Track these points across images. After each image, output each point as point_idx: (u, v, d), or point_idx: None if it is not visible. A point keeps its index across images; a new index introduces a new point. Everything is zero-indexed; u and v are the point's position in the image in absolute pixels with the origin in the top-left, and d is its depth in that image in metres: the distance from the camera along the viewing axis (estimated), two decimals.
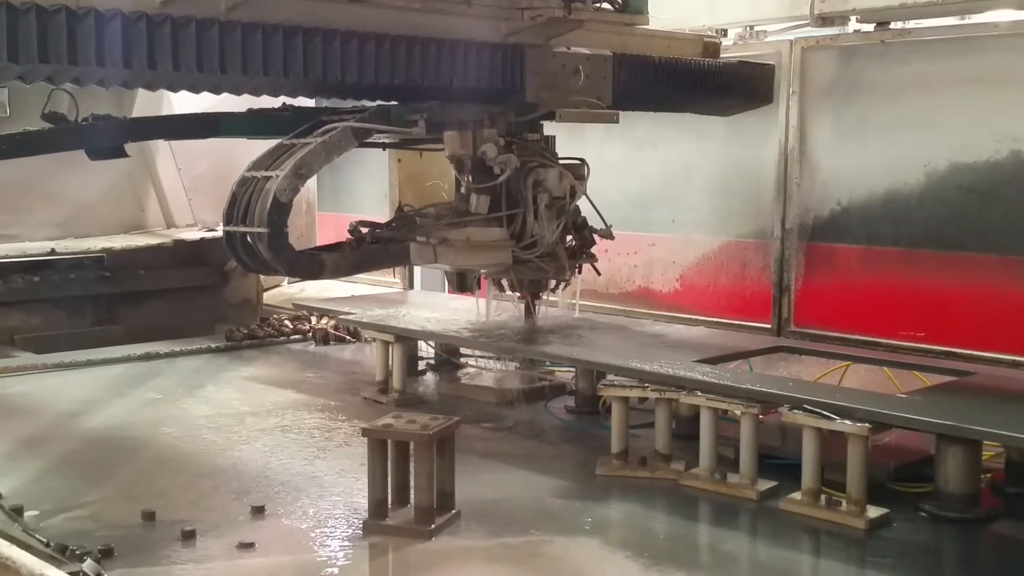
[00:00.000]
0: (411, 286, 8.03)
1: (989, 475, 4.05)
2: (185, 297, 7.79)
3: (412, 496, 3.66)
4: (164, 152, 8.54)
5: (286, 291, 8.43)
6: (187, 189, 8.75)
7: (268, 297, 8.30)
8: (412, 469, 3.64)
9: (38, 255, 7.31)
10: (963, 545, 3.68)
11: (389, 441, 3.64)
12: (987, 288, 5.22)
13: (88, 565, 3.20)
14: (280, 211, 4.18)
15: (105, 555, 3.35)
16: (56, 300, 7.23)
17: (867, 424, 3.71)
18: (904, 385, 4.68)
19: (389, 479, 3.67)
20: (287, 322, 7.23)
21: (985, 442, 3.82)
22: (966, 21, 5.45)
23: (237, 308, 7.92)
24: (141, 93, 6.67)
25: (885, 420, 3.76)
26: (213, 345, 6.78)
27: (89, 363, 6.28)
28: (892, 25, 5.54)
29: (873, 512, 3.74)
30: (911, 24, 5.49)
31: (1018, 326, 5.10)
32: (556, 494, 4.07)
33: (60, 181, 7.83)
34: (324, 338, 6.95)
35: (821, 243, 5.83)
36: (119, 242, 7.82)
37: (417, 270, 7.98)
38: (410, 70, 4.54)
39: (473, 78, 4.72)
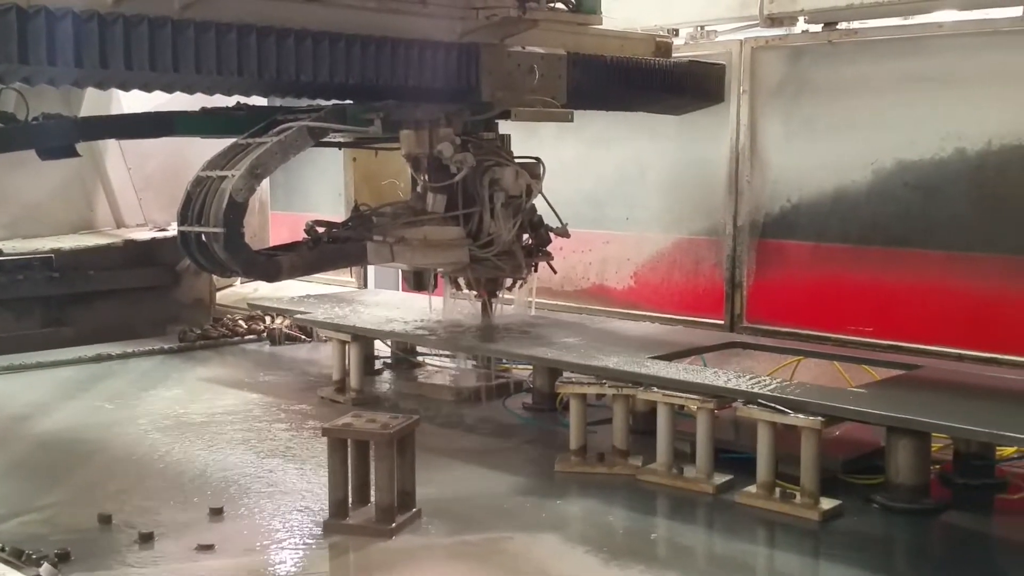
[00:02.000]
0: (365, 285, 8.01)
1: (938, 466, 4.13)
2: (136, 298, 7.68)
3: (372, 495, 3.65)
4: (113, 151, 8.42)
5: (239, 291, 8.36)
6: (137, 188, 8.64)
7: (221, 297, 8.22)
8: (372, 468, 3.63)
9: None
10: (914, 535, 3.75)
11: (349, 440, 3.63)
12: (933, 283, 5.31)
13: (45, 569, 3.17)
14: (236, 211, 4.14)
15: (62, 559, 3.31)
16: (4, 302, 7.08)
17: (820, 418, 3.76)
18: (854, 379, 4.75)
19: (349, 478, 3.66)
20: (241, 322, 7.19)
21: (934, 434, 3.88)
22: (910, 22, 5.54)
23: (190, 308, 7.83)
24: (89, 91, 6.54)
25: (837, 414, 3.82)
26: (166, 346, 6.72)
27: (39, 365, 6.19)
28: (840, 25, 5.62)
29: (826, 504, 3.79)
30: (858, 24, 5.57)
31: (963, 320, 5.20)
32: (515, 491, 4.09)
33: (7, 181, 7.69)
34: (279, 338, 6.91)
35: (772, 240, 5.90)
36: (68, 242, 7.69)
37: (371, 269, 7.95)
38: (365, 69, 4.51)
39: (429, 77, 4.70)
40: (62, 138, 4.75)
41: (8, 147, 4.71)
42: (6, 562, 3.24)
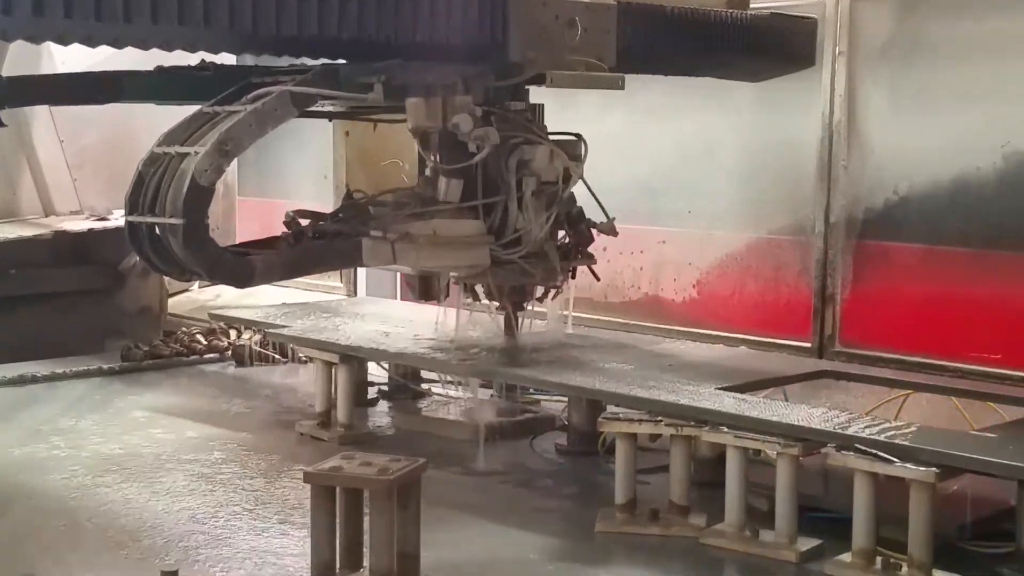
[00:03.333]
0: (356, 292, 8.06)
1: None
2: (68, 304, 7.79)
3: (366, 558, 3.68)
4: (42, 119, 8.53)
5: (197, 297, 8.45)
6: (71, 167, 8.75)
7: (174, 305, 8.32)
8: (367, 524, 3.66)
9: None
10: None
11: (338, 489, 3.66)
12: None
13: None
14: (200, 197, 4.20)
15: None
16: None
17: (934, 468, 3.77)
18: (977, 420, 4.77)
19: (337, 537, 3.69)
20: (199, 337, 7.26)
21: None
22: None
23: (135, 319, 7.94)
24: (16, 47, 6.64)
25: (956, 463, 3.82)
26: (105, 366, 6.81)
27: None
28: None
29: None
30: None
31: None
32: (545, 556, 4.12)
33: None
34: (247, 357, 6.97)
35: (873, 241, 5.92)
36: None
37: (362, 272, 8.01)
38: (363, 21, 4.56)
39: (443, 31, 4.75)
40: None
41: None
42: None
